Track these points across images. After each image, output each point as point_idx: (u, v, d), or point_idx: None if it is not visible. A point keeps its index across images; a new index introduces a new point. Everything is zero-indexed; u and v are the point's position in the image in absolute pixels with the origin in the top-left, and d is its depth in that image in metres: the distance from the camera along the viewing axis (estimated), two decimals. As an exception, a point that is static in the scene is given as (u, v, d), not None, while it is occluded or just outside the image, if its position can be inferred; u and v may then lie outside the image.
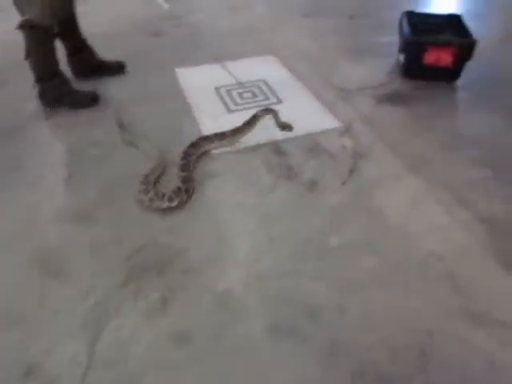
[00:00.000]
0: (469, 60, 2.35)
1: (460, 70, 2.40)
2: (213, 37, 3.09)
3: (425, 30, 2.51)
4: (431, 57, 2.35)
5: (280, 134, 2.03)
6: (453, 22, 2.60)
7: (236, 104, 2.29)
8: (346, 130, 2.08)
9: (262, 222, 1.63)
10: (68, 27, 2.31)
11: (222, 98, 2.34)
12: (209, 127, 2.09)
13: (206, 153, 1.96)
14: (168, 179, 1.82)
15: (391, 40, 2.87)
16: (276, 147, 1.99)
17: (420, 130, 2.11)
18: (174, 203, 1.66)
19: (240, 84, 2.47)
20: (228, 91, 2.41)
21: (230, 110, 2.24)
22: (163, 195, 1.65)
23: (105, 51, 2.59)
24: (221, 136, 1.95)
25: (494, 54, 2.77)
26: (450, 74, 2.44)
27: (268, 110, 2.08)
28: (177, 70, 2.64)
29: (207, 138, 1.95)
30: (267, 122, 2.05)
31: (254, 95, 2.37)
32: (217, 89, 2.43)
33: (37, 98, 2.24)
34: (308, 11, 3.49)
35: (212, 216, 1.66)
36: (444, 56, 2.33)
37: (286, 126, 2.00)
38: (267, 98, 2.33)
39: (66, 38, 2.36)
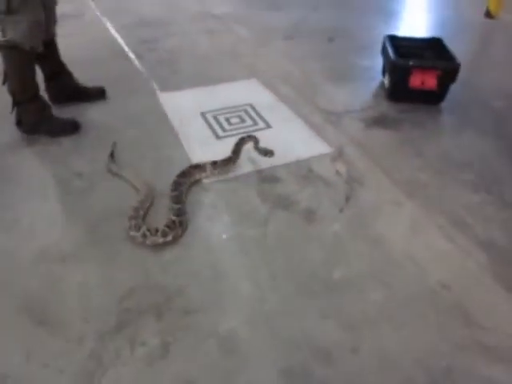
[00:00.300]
0: (453, 83, 2.38)
1: (445, 92, 2.43)
2: (192, 60, 3.04)
3: (408, 54, 2.52)
4: (416, 80, 2.36)
5: (267, 161, 1.97)
6: (434, 45, 2.64)
7: (224, 130, 2.23)
8: (339, 155, 2.05)
9: (261, 256, 1.56)
10: (48, 49, 2.21)
11: (209, 124, 2.28)
12: (198, 155, 2.02)
13: (196, 182, 1.88)
14: (157, 210, 1.74)
15: (372, 62, 2.92)
16: (269, 175, 1.94)
17: (411, 154, 2.10)
18: (169, 238, 1.57)
19: (226, 109, 2.42)
20: (215, 116, 2.35)
21: (218, 137, 2.18)
22: (156, 230, 1.56)
23: (81, 75, 2.50)
24: (212, 165, 1.88)
25: (470, 75, 2.81)
26: (435, 97, 2.46)
27: (249, 137, 2.03)
28: (159, 94, 2.57)
29: (198, 167, 1.88)
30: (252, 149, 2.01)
31: (242, 120, 2.31)
32: (203, 114, 2.37)
33: (14, 124, 2.13)
34: (288, 34, 3.49)
35: (208, 250, 1.58)
36: (429, 79, 2.35)
37: (267, 152, 1.93)
38: (256, 123, 2.29)
39: (45, 60, 2.26)
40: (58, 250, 1.56)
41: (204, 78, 2.77)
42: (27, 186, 1.86)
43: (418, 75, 2.35)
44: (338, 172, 1.95)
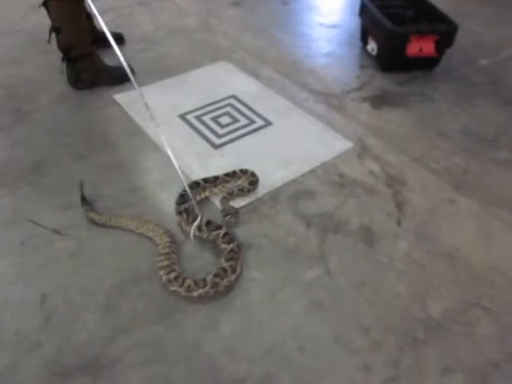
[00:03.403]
0: (450, 47, 2.17)
1: (441, 57, 2.22)
2: (139, 44, 2.49)
3: (389, 15, 2.23)
4: (414, 47, 2.11)
5: (289, 171, 1.64)
6: (414, 3, 2.39)
7: (218, 136, 1.82)
8: (363, 151, 1.77)
9: (339, 304, 1.25)
10: None
11: (196, 130, 1.85)
12: (201, 175, 1.62)
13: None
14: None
15: (337, 22, 2.64)
16: (299, 189, 1.60)
17: (435, 135, 1.88)
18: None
19: (208, 106, 1.98)
20: (198, 118, 1.91)
21: (215, 146, 1.77)
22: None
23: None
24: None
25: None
26: (430, 63, 2.25)
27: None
28: (116, 96, 2.04)
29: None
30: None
31: (234, 119, 1.91)
32: (182, 116, 1.92)
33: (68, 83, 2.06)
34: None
35: (271, 311, 1.23)
36: (427, 45, 2.11)
37: (230, 213, 1.42)
38: (252, 121, 1.90)
39: None
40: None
41: (162, 66, 2.28)
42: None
43: (416, 42, 2.10)
44: (372, 172, 1.68)
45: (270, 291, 1.28)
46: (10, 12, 2.80)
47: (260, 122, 1.89)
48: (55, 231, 1.42)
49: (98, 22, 2.01)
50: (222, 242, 1.32)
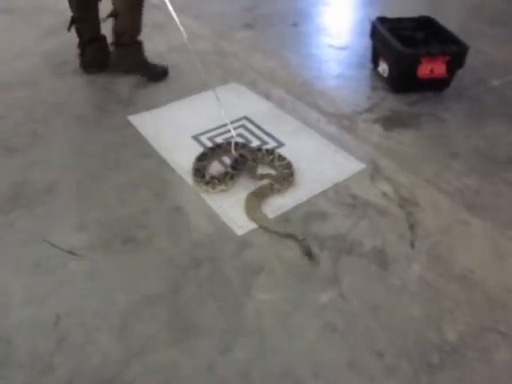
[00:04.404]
0: (461, 68, 2.18)
1: (452, 78, 2.23)
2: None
3: (400, 37, 2.26)
4: (425, 68, 2.13)
5: (301, 193, 1.66)
6: (425, 25, 2.42)
7: (231, 157, 1.84)
8: (376, 172, 1.77)
9: (353, 329, 1.25)
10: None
11: (209, 151, 1.87)
12: (217, 197, 1.63)
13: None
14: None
15: (348, 45, 2.68)
16: (311, 210, 1.61)
17: (446, 156, 1.88)
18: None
19: (220, 127, 2.01)
20: (211, 139, 1.94)
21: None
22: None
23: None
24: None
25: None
26: (442, 84, 2.26)
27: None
28: (130, 117, 2.08)
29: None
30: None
31: (246, 140, 1.93)
32: (196, 138, 1.94)
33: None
34: (245, 22, 3.08)
35: (286, 335, 1.23)
36: (438, 66, 2.13)
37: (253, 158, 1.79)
38: (264, 142, 1.92)
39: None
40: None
41: (174, 88, 2.32)
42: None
43: (427, 63, 2.12)
44: (384, 194, 1.68)
45: (284, 314, 1.28)
46: (27, 35, 2.88)
47: (272, 143, 1.91)
48: (70, 252, 1.43)
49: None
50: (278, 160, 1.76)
